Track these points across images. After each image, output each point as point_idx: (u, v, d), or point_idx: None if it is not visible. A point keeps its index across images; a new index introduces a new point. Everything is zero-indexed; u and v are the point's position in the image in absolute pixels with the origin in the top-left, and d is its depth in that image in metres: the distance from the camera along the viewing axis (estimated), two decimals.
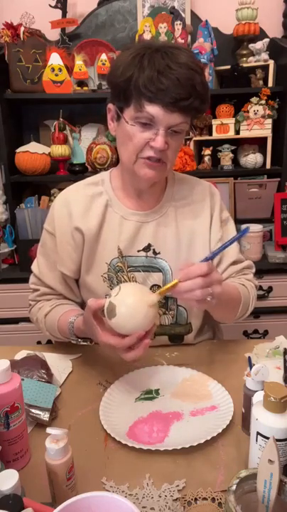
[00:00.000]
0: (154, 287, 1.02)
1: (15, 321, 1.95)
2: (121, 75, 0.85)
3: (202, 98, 0.86)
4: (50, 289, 1.06)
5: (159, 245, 1.01)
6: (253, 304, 1.06)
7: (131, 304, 0.77)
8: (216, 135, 2.06)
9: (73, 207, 1.01)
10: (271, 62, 1.97)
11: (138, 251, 1.01)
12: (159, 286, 1.02)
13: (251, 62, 2.01)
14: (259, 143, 2.08)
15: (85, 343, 0.94)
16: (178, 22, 1.96)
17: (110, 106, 0.93)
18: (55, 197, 2.11)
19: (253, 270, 1.12)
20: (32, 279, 1.09)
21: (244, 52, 2.05)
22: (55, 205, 1.04)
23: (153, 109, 0.83)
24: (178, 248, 1.02)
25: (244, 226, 1.98)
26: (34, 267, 1.08)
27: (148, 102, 0.83)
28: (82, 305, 1.09)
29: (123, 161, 0.95)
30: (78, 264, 1.02)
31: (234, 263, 1.07)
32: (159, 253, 1.01)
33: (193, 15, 2.07)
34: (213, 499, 0.63)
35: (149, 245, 1.01)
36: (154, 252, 1.01)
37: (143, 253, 1.01)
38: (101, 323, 0.82)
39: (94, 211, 1.00)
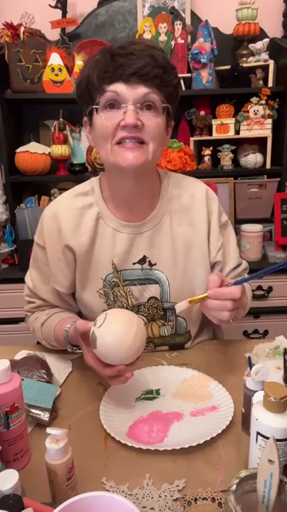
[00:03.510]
0: (151, 300, 1.00)
1: (15, 321, 1.95)
2: (81, 81, 0.88)
3: (164, 68, 0.84)
4: (45, 302, 1.04)
5: (154, 256, 0.98)
6: (249, 304, 1.06)
7: (112, 340, 0.76)
8: (216, 135, 2.06)
9: (63, 222, 0.96)
10: (271, 62, 1.97)
11: (134, 264, 0.98)
12: (156, 299, 1.00)
13: (251, 62, 2.01)
14: (259, 143, 2.07)
15: (80, 351, 0.93)
16: (178, 22, 1.96)
17: (85, 118, 0.92)
18: (54, 197, 2.11)
19: (247, 271, 1.12)
20: (26, 291, 1.07)
21: (244, 52, 2.05)
22: (44, 219, 1.00)
23: (115, 87, 0.82)
24: (174, 258, 0.98)
25: (243, 226, 1.99)
26: (27, 279, 1.06)
27: (109, 84, 0.83)
28: (80, 314, 1.07)
29: (103, 159, 0.89)
30: (71, 281, 0.99)
31: (234, 268, 1.05)
32: (155, 264, 0.98)
33: (193, 15, 2.07)
34: (213, 499, 0.63)
35: (144, 257, 0.98)
36: (150, 264, 0.98)
37: (138, 266, 0.98)
38: (88, 344, 0.81)
39: (85, 226, 0.96)
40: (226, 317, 0.78)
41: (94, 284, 0.98)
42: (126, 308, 0.99)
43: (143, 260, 0.98)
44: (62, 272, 0.99)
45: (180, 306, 0.81)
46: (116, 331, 0.76)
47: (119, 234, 0.97)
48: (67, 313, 1.04)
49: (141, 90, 0.83)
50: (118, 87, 0.82)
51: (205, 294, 0.79)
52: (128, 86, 0.82)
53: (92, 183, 1.01)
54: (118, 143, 0.84)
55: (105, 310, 0.97)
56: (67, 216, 0.97)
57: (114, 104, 0.84)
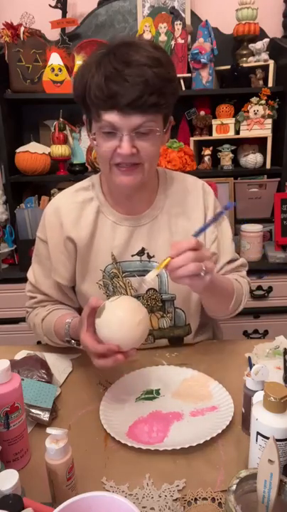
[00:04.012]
0: (150, 291, 1.01)
1: (15, 321, 1.95)
2: (78, 87, 0.86)
3: (159, 92, 0.81)
4: (46, 296, 1.05)
5: (153, 249, 1.00)
6: (246, 299, 1.06)
7: (117, 318, 0.78)
8: (216, 135, 2.06)
9: (64, 216, 0.99)
10: (271, 62, 1.97)
11: (132, 255, 1.00)
12: (155, 290, 1.01)
13: (251, 62, 2.01)
14: (259, 143, 2.08)
15: (79, 346, 0.93)
16: (178, 22, 1.96)
17: (84, 117, 0.92)
18: (54, 197, 2.11)
19: (247, 268, 1.12)
20: (28, 286, 1.08)
21: (244, 52, 2.05)
22: (46, 214, 1.03)
23: (109, 117, 0.82)
24: None
25: (243, 226, 1.99)
26: (30, 274, 1.07)
27: (104, 111, 0.82)
28: (80, 310, 1.08)
29: (102, 171, 0.95)
30: (72, 273, 1.02)
31: (230, 262, 1.06)
32: (153, 256, 1.00)
33: (193, 15, 2.07)
34: (213, 499, 0.63)
35: (143, 249, 1.00)
36: (148, 256, 1.00)
37: (137, 257, 1.00)
38: (90, 324, 0.82)
39: (86, 219, 0.99)
40: (192, 268, 0.76)
41: (93, 275, 1.00)
42: None
43: (141, 252, 1.00)
44: (64, 265, 1.01)
45: (150, 276, 0.81)
46: (124, 312, 0.79)
47: (119, 227, 0.99)
48: (68, 309, 1.05)
49: (136, 120, 0.82)
50: (113, 118, 0.81)
51: (168, 258, 0.79)
52: (123, 116, 0.81)
53: (92, 179, 1.04)
54: (116, 164, 0.88)
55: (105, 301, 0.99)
56: (68, 210, 1.00)
57: (110, 132, 0.84)
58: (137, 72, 0.79)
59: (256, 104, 1.97)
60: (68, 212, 0.99)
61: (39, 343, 1.08)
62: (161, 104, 0.83)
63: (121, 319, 0.78)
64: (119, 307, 0.80)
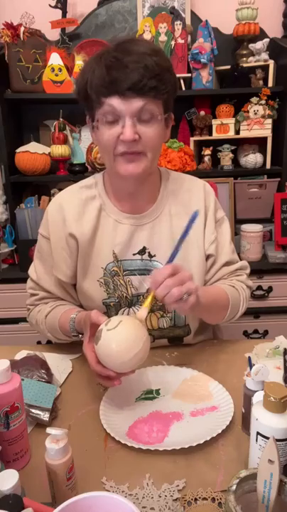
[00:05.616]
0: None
1: (15, 321, 1.95)
2: (79, 84, 0.89)
3: (159, 77, 0.83)
4: (48, 294, 1.05)
5: (154, 248, 1.00)
6: (245, 304, 1.06)
7: (111, 351, 0.76)
8: (216, 135, 2.06)
9: (67, 212, 1.00)
10: (271, 62, 1.97)
11: (134, 254, 1.00)
12: None
13: (251, 62, 2.01)
14: (259, 143, 2.08)
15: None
16: (178, 22, 1.96)
17: (87, 118, 0.93)
18: (57, 194, 2.11)
19: (248, 271, 1.11)
20: (29, 283, 1.08)
21: (244, 52, 2.05)
22: (49, 211, 1.03)
23: (111, 101, 0.84)
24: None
25: (243, 226, 1.99)
26: (31, 271, 1.08)
27: (105, 97, 0.84)
28: (81, 308, 1.08)
29: (106, 165, 0.96)
30: (73, 270, 1.02)
31: (227, 264, 1.06)
32: (154, 256, 1.00)
33: (193, 15, 2.07)
34: (213, 499, 0.63)
35: (144, 248, 1.00)
36: (149, 255, 1.00)
37: (138, 256, 1.00)
38: (93, 334, 0.82)
39: (88, 216, 0.99)
40: (176, 294, 0.76)
41: (94, 272, 1.00)
42: (126, 297, 1.01)
43: (143, 251, 1.00)
44: (65, 261, 1.01)
45: (141, 315, 0.81)
46: (120, 345, 0.76)
47: (121, 225, 1.00)
48: (71, 305, 1.05)
49: (137, 104, 0.83)
50: (115, 102, 0.83)
51: (152, 292, 0.79)
52: (124, 100, 0.83)
53: (96, 177, 1.05)
54: (119, 154, 0.88)
55: (105, 299, 1.00)
56: (71, 206, 1.00)
57: (112, 120, 0.85)
58: (137, 59, 0.82)
59: (256, 104, 1.97)
60: (71, 209, 1.00)
61: (39, 343, 1.08)
62: (161, 89, 0.85)
63: (114, 354, 0.76)
64: (115, 339, 0.76)
